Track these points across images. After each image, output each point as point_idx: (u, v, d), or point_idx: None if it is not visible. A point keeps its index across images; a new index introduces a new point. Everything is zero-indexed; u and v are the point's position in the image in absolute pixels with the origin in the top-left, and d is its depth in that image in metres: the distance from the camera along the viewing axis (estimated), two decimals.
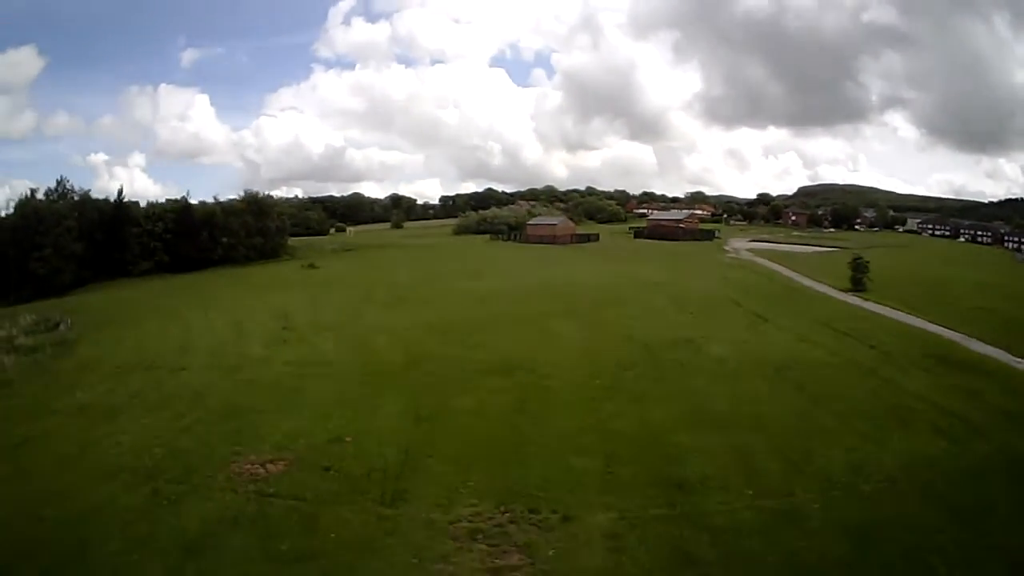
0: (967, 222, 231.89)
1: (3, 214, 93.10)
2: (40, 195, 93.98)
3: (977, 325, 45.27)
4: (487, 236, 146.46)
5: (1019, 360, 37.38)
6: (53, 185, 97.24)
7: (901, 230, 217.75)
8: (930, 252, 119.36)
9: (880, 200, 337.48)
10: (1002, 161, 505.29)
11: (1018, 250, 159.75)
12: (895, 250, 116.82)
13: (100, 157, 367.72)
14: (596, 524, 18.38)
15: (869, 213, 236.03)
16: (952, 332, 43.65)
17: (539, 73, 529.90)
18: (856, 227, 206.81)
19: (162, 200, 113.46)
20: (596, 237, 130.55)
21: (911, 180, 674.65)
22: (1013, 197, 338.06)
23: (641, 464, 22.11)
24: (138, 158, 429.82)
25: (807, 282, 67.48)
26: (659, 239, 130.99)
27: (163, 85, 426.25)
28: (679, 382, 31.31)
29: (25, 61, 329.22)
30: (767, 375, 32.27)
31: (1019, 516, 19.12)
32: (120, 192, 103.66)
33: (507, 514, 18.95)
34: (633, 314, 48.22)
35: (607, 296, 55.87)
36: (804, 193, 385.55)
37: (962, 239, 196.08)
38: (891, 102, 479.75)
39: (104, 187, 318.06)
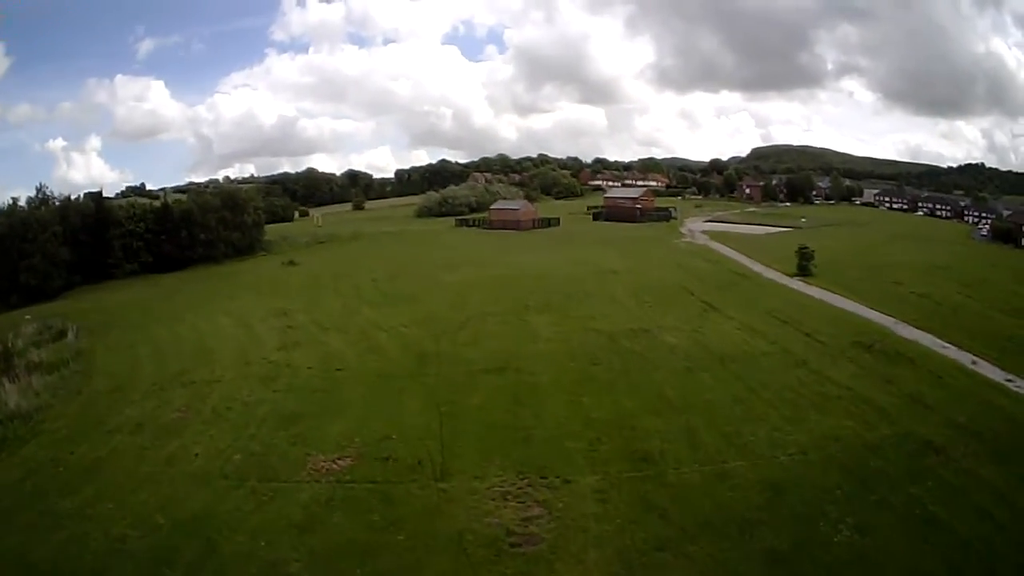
0: (925, 193, 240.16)
1: None
2: (22, 203, 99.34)
3: (912, 310, 54.14)
4: (451, 220, 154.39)
5: (945, 345, 45.48)
6: (19, 187, 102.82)
7: (858, 202, 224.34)
8: (885, 230, 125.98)
9: (835, 163, 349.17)
10: (960, 124, 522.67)
11: (976, 225, 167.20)
12: (849, 229, 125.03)
13: (58, 143, 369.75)
14: (588, 484, 28.08)
15: (824, 183, 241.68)
16: (886, 317, 52.08)
17: (491, 49, 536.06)
18: (813, 200, 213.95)
19: (122, 188, 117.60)
20: (557, 222, 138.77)
21: (867, 141, 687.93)
22: (973, 162, 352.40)
23: (616, 442, 31.62)
24: (95, 141, 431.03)
25: (757, 267, 76.08)
26: (617, 221, 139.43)
27: (119, 76, 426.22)
28: (641, 374, 40.19)
29: None
30: (712, 366, 41.17)
31: (905, 479, 27.82)
32: (98, 198, 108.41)
33: (525, 480, 28.41)
34: (598, 306, 57.03)
35: (573, 288, 64.09)
36: (757, 155, 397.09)
37: (921, 212, 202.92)
38: (847, 69, 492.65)
39: (63, 175, 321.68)
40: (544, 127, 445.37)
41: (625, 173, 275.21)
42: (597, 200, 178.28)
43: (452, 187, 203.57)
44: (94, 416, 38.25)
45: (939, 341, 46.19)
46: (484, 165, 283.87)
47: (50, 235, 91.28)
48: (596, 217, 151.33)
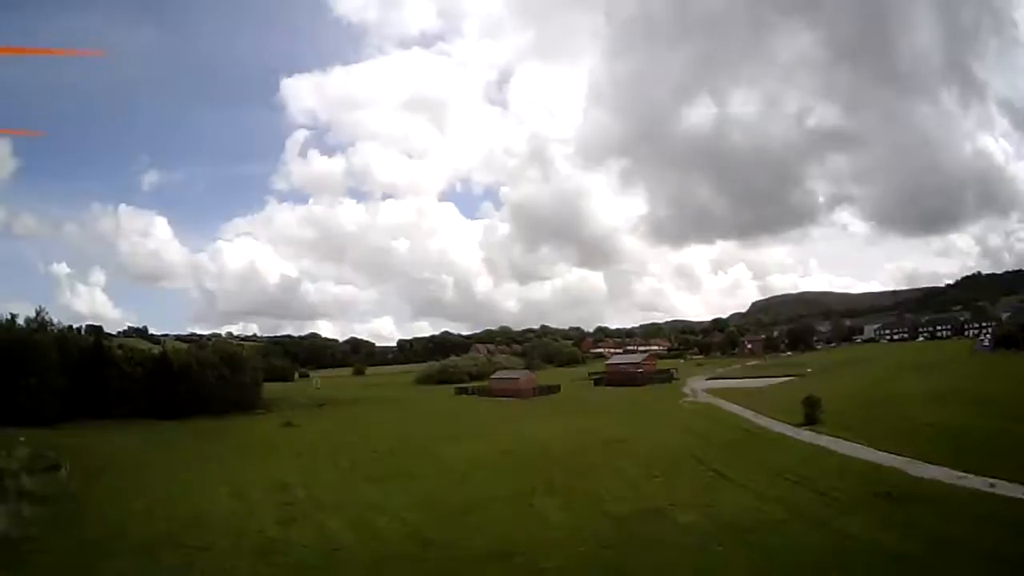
0: (925, 317, 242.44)
1: None
2: (20, 322, 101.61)
3: (924, 444, 53.05)
4: (451, 387, 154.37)
5: (961, 475, 44.23)
6: (19, 303, 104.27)
7: (859, 340, 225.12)
8: (887, 363, 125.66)
9: (834, 304, 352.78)
10: (954, 237, 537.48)
11: (978, 337, 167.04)
12: (852, 369, 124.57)
13: (63, 268, 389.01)
14: None
15: (824, 328, 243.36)
16: (899, 457, 50.79)
17: (488, 207, 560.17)
18: (815, 346, 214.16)
19: (124, 327, 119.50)
20: (557, 388, 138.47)
21: (863, 275, 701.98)
22: (969, 274, 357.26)
23: None
24: (99, 275, 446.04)
25: (763, 421, 74.57)
26: (619, 385, 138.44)
27: (123, 206, 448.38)
28: (654, 555, 37.62)
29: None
30: (728, 540, 38.53)
31: None
32: (98, 334, 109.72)
33: None
34: (605, 483, 54.28)
35: (578, 462, 61.86)
36: (758, 309, 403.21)
37: (922, 338, 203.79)
38: (838, 200, 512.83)
39: (67, 304, 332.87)
40: (544, 296, 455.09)
41: (627, 340, 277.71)
42: (599, 367, 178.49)
43: (454, 357, 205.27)
44: (83, 563, 38.14)
45: (954, 472, 45.10)
46: (487, 337, 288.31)
47: (49, 362, 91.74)
48: (598, 382, 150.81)
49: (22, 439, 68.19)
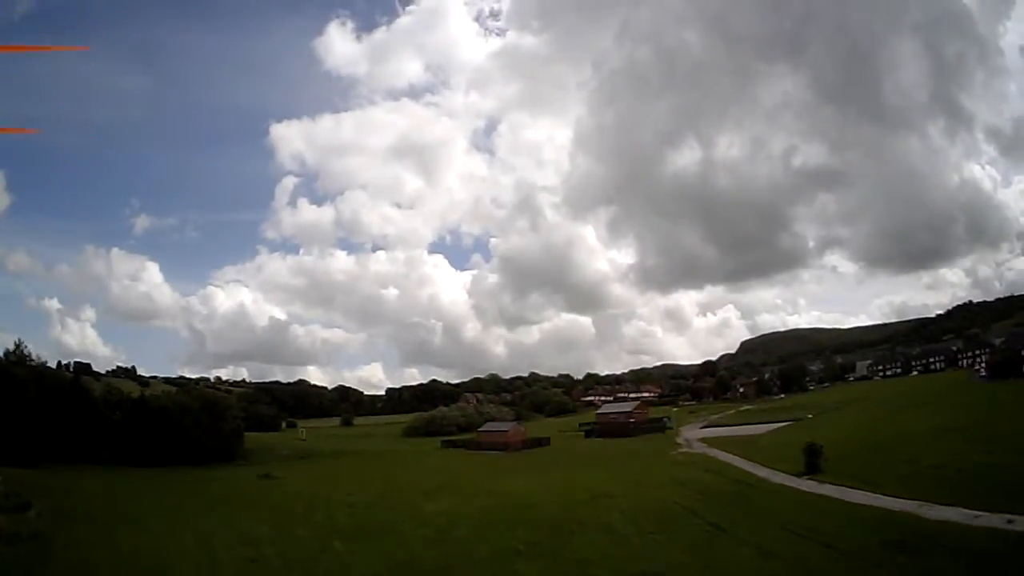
0: (917, 349, 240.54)
1: None
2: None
3: (932, 486, 50.19)
4: (438, 440, 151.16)
5: (976, 514, 41.78)
6: (7, 333, 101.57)
7: (852, 378, 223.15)
8: (885, 402, 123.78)
9: (824, 340, 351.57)
10: (944, 271, 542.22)
11: (973, 367, 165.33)
12: (849, 409, 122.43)
13: (54, 304, 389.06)
14: None
15: (816, 367, 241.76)
16: (908, 502, 47.78)
17: (477, 258, 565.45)
18: (807, 387, 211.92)
19: (112, 366, 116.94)
20: (547, 441, 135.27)
21: (852, 311, 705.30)
22: (960, 303, 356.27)
23: None
24: (89, 312, 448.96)
25: (762, 472, 71.12)
26: (611, 436, 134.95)
27: (115, 250, 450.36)
28: None
29: None
30: None
31: None
32: (75, 371, 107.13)
33: None
34: (594, 542, 49.77)
35: (566, 518, 57.33)
36: (747, 349, 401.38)
37: (915, 372, 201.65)
38: (828, 242, 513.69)
39: (57, 337, 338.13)
40: (532, 340, 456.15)
41: (617, 387, 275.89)
42: (589, 417, 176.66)
43: (442, 408, 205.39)
44: None
45: (968, 511, 42.52)
46: (475, 385, 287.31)
47: (25, 400, 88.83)
48: (589, 434, 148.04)
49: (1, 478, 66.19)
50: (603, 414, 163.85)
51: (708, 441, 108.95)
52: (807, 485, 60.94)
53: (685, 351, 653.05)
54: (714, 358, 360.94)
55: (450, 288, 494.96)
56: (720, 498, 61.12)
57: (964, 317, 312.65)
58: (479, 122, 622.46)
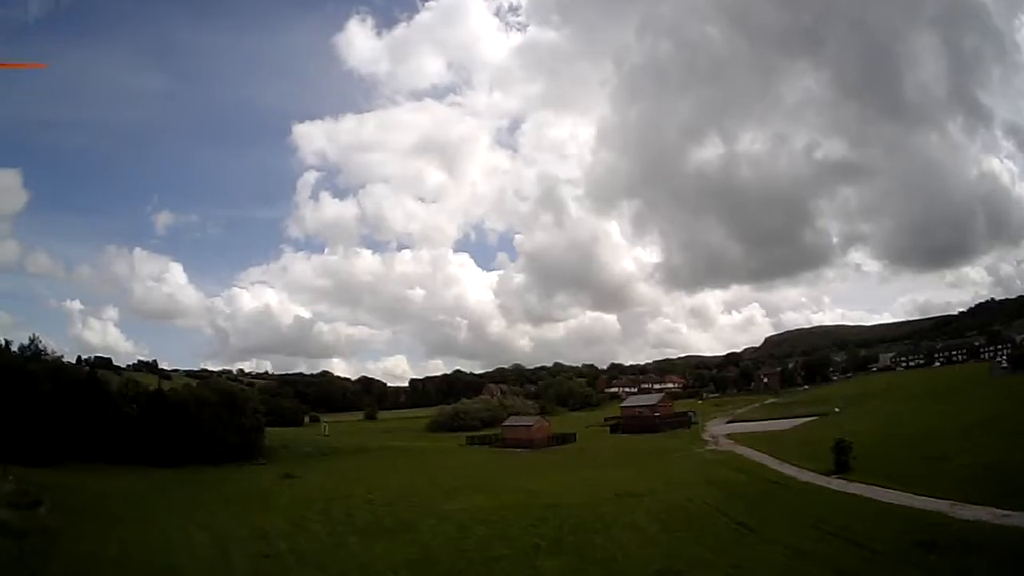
0: (940, 344, 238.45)
1: None
2: (14, 348, 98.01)
3: (963, 485, 49.11)
4: (461, 435, 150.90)
5: (1007, 513, 40.90)
6: (27, 333, 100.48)
7: (875, 369, 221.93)
8: (909, 393, 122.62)
9: (848, 337, 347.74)
10: (966, 269, 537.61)
11: (995, 359, 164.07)
12: (873, 401, 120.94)
13: (75, 305, 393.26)
14: None
15: (840, 358, 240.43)
16: (940, 501, 46.82)
17: (503, 257, 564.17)
18: (831, 377, 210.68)
19: (134, 360, 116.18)
20: (573, 437, 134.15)
21: (876, 309, 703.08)
22: (982, 301, 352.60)
23: None
24: (112, 312, 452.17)
25: (790, 470, 69.98)
26: (636, 432, 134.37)
27: (138, 249, 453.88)
28: None
29: (10, 187, 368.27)
30: None
31: None
32: (93, 364, 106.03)
33: None
34: (620, 540, 48.95)
35: (590, 517, 56.39)
36: (772, 343, 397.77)
37: (937, 363, 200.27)
38: (852, 239, 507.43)
39: (78, 335, 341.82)
40: (558, 336, 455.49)
41: (641, 377, 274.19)
42: (614, 410, 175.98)
43: (465, 400, 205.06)
44: None
45: (998, 511, 41.46)
46: (499, 375, 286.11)
47: (40, 395, 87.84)
48: (614, 429, 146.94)
49: (11, 479, 65.39)
50: (628, 407, 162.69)
51: (734, 437, 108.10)
52: (836, 484, 59.91)
53: (710, 345, 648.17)
54: (738, 350, 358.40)
55: (476, 287, 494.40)
56: (748, 497, 60.25)
57: (986, 315, 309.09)
58: (503, 121, 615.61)
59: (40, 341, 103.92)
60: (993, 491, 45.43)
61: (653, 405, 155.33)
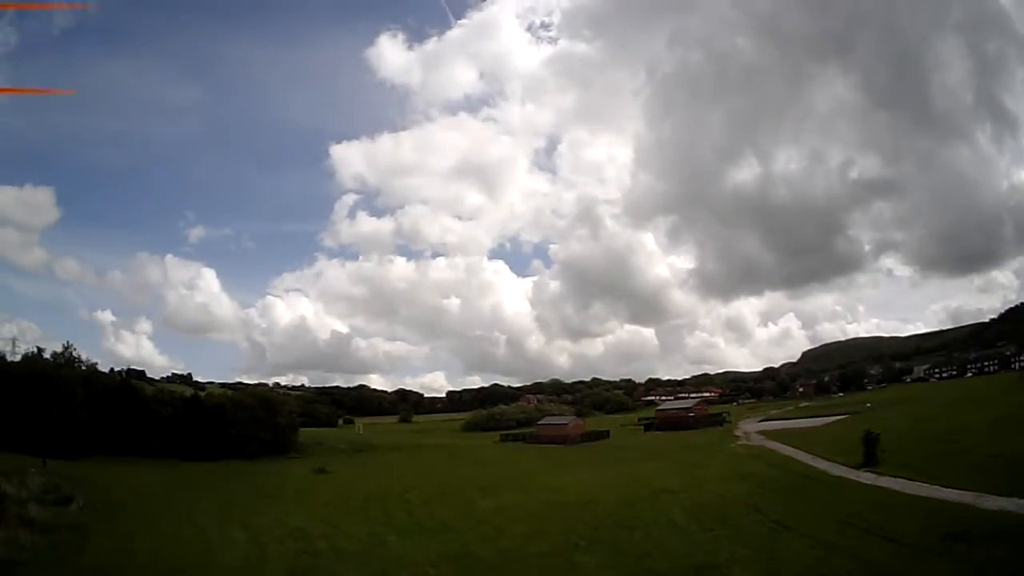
0: (973, 354, 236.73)
1: (9, 358, 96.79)
2: (47, 355, 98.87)
3: (990, 477, 48.77)
4: (496, 434, 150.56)
5: None
6: (59, 344, 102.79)
7: (909, 380, 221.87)
8: (942, 399, 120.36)
9: (883, 349, 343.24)
10: (995, 273, 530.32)
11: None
12: (906, 405, 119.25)
13: (107, 316, 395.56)
14: None
15: (875, 370, 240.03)
16: (966, 493, 46.73)
17: (538, 264, 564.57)
18: (866, 387, 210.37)
19: (168, 373, 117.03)
20: (606, 434, 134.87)
21: (909, 318, 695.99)
22: (1012, 306, 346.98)
23: None
24: (145, 324, 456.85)
25: (821, 464, 69.60)
26: (669, 429, 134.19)
27: (170, 256, 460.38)
28: None
29: (42, 203, 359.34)
30: None
31: None
32: (127, 373, 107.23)
33: None
34: (655, 536, 48.78)
35: (626, 515, 56.34)
36: (809, 358, 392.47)
37: (970, 374, 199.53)
38: (883, 246, 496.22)
39: (111, 348, 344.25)
40: (596, 352, 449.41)
41: (679, 389, 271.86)
42: (650, 413, 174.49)
43: (501, 405, 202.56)
44: None
45: (1022, 501, 41.64)
46: (536, 388, 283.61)
47: (72, 401, 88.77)
48: (648, 427, 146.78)
49: (33, 470, 66.17)
50: (663, 409, 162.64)
51: (766, 433, 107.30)
52: (866, 477, 59.57)
53: (747, 360, 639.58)
54: (775, 365, 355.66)
55: (512, 296, 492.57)
56: (780, 491, 60.08)
57: (1017, 319, 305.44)
58: (539, 141, 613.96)
59: (74, 348, 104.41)
60: (1018, 482, 45.18)
61: (688, 407, 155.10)
